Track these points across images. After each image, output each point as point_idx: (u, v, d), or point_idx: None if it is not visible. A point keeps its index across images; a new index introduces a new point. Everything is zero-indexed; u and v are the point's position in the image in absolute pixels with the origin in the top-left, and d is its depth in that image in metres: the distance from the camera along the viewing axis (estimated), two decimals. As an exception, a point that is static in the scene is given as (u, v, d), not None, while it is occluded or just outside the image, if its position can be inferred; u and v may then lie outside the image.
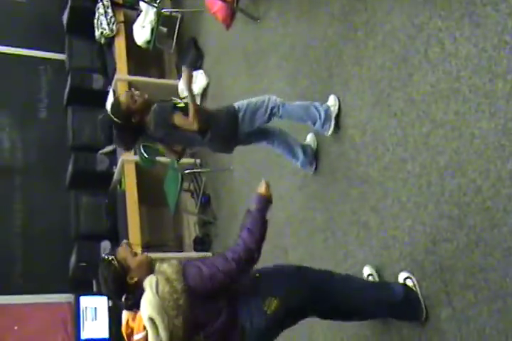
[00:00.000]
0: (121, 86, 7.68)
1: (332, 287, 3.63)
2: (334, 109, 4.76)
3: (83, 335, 6.68)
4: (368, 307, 3.75)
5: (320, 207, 4.93)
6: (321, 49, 5.03)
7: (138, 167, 7.10)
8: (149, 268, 3.35)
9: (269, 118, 4.64)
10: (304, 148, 4.95)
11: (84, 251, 7.14)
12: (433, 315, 3.65)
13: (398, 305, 3.76)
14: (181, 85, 7.33)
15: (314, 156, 4.99)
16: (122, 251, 3.39)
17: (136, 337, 3.18)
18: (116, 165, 7.53)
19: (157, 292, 3.07)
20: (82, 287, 7.25)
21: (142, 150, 6.48)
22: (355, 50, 4.60)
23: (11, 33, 8.65)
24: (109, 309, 6.71)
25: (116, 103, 4.49)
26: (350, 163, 4.59)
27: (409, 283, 3.86)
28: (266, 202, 3.59)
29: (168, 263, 3.20)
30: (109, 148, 7.78)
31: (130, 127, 4.50)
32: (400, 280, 3.92)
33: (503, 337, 3.18)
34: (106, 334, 6.69)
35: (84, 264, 7.02)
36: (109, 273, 3.31)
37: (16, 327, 6.87)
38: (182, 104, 4.55)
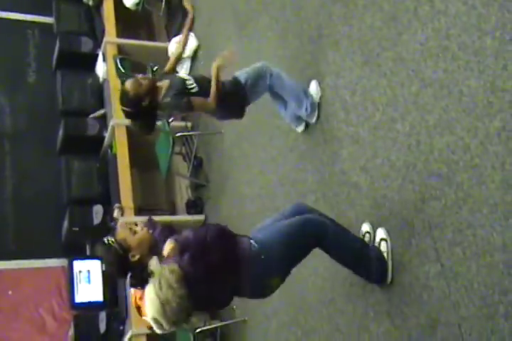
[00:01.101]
0: (110, 48, 7.63)
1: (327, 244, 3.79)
2: (317, 97, 4.83)
3: (77, 299, 6.71)
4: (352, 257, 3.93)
5: (311, 168, 4.95)
6: (311, 9, 5.01)
7: (129, 130, 7.08)
8: (150, 244, 3.44)
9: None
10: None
11: (77, 215, 7.16)
12: (422, 272, 3.69)
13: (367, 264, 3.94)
14: (171, 47, 7.29)
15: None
16: (121, 232, 3.51)
17: (144, 317, 3.28)
18: (107, 129, 7.51)
19: (161, 293, 3.12)
20: (75, 251, 7.29)
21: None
22: (344, 10, 4.58)
23: (-4, -4, 8.57)
24: (103, 272, 6.74)
25: (123, 93, 4.49)
26: (340, 124, 4.59)
27: (383, 246, 3.97)
28: None
29: (169, 270, 3.21)
30: (99, 112, 7.77)
31: (143, 111, 4.51)
32: (377, 239, 4.04)
33: (490, 291, 3.22)
34: (100, 298, 6.73)
35: (76, 229, 7.05)
36: (111, 255, 3.41)
37: (10, 292, 6.93)
38: (196, 90, 4.53)
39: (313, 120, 4.86)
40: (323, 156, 4.79)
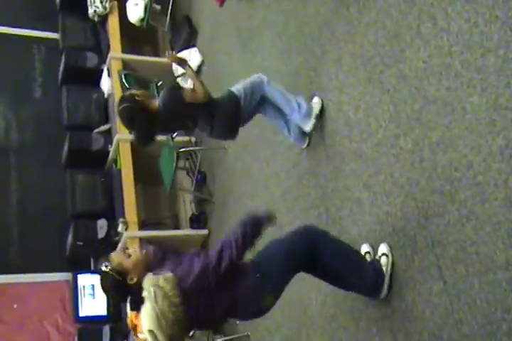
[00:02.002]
0: (115, 64, 7.66)
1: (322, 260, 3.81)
2: (318, 107, 4.86)
3: (81, 313, 6.75)
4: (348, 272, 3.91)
5: (314, 183, 4.95)
6: (314, 26, 5.03)
7: (133, 145, 7.11)
8: (146, 264, 3.48)
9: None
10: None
11: (81, 229, 7.16)
12: (425, 289, 3.69)
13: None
14: (175, 64, 7.33)
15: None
16: (116, 257, 3.54)
17: (141, 335, 3.31)
18: (111, 143, 7.53)
19: (156, 304, 3.15)
20: (80, 265, 7.30)
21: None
22: (347, 27, 4.60)
23: (3, 12, 8.60)
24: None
25: (129, 96, 4.56)
26: (343, 140, 4.61)
27: (383, 261, 3.97)
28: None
29: (164, 279, 3.24)
30: (104, 127, 7.79)
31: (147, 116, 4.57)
32: (378, 253, 4.05)
33: (493, 308, 3.22)
34: (104, 312, 6.74)
35: (81, 243, 7.05)
36: (109, 282, 3.44)
37: (15, 306, 6.94)
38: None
39: (308, 128, 4.85)
40: (326, 172, 4.80)
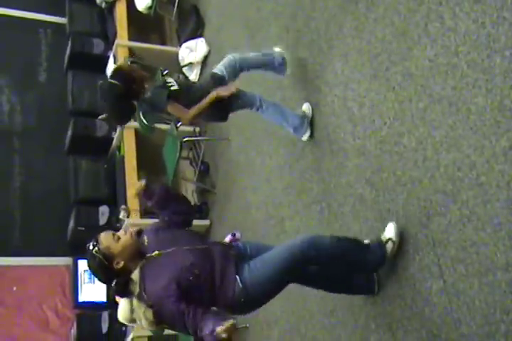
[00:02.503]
0: (121, 51, 7.66)
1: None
2: (309, 113, 5.00)
3: (81, 298, 6.79)
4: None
5: (316, 178, 4.97)
6: (321, 21, 5.02)
7: (137, 133, 7.12)
8: (135, 249, 3.48)
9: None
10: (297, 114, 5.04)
11: (83, 215, 7.20)
12: (424, 288, 3.72)
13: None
14: (182, 52, 7.33)
15: (309, 124, 5.03)
16: (104, 239, 3.52)
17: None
18: (115, 130, 7.54)
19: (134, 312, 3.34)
20: (81, 250, 7.29)
21: (142, 117, 6.49)
22: (355, 23, 4.59)
23: (10, -6, 8.60)
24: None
25: (117, 68, 4.70)
26: (347, 136, 4.61)
27: (388, 246, 3.94)
28: None
29: (144, 315, 3.33)
30: (108, 114, 7.79)
31: (129, 95, 4.62)
32: (386, 235, 4.00)
33: (492, 309, 3.24)
34: (103, 298, 6.78)
35: (82, 228, 7.08)
36: (95, 264, 3.45)
37: (14, 288, 6.98)
38: (175, 87, 4.64)
39: (305, 136, 5.03)
40: (329, 167, 4.81)
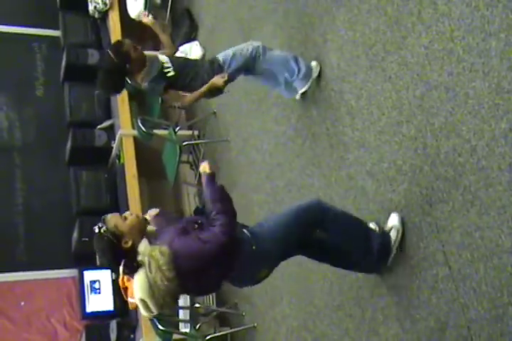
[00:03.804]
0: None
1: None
2: (316, 70, 4.88)
3: (88, 308, 6.75)
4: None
5: (317, 173, 4.94)
6: (314, 15, 5.01)
7: (136, 140, 7.11)
8: (142, 229, 3.44)
9: (253, 67, 4.81)
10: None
11: (86, 226, 7.12)
12: (430, 276, 3.69)
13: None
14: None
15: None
16: (112, 219, 3.47)
17: (131, 300, 3.30)
18: (114, 139, 7.52)
19: (150, 274, 3.16)
20: (85, 261, 7.29)
21: (140, 124, 6.49)
22: (348, 15, 4.59)
23: (2, 10, 8.57)
24: (113, 282, 6.76)
25: (119, 42, 4.77)
26: (345, 128, 4.59)
27: (392, 234, 3.92)
28: (211, 177, 3.64)
29: (160, 251, 3.23)
30: (107, 123, 7.78)
31: (120, 71, 4.69)
32: (388, 224, 4.00)
33: (499, 293, 3.22)
34: (111, 307, 6.75)
35: (86, 239, 7.05)
36: (103, 244, 3.39)
37: (22, 303, 6.93)
38: (172, 73, 4.64)
39: (303, 90, 4.93)
40: (329, 161, 4.78)
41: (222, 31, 6.94)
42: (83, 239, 7.04)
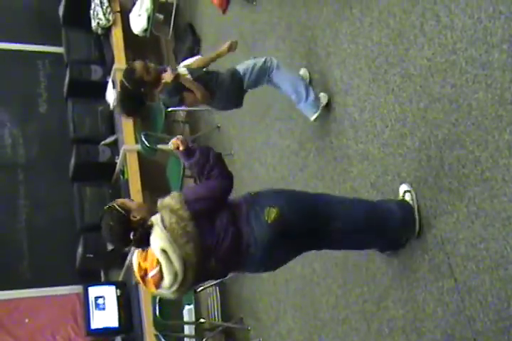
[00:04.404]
0: (120, 75, 7.65)
1: (331, 209, 3.69)
2: (324, 101, 4.86)
3: (93, 325, 6.74)
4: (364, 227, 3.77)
5: (321, 186, 4.93)
6: (317, 28, 5.03)
7: (140, 155, 7.11)
8: (149, 209, 3.42)
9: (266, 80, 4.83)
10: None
11: (91, 242, 7.15)
12: (436, 288, 3.67)
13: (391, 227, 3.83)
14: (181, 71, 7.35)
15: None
16: (120, 200, 3.49)
17: (151, 273, 3.25)
18: (118, 155, 7.53)
19: (164, 226, 3.17)
20: (90, 277, 7.30)
21: (143, 139, 6.49)
22: (351, 28, 4.60)
23: (6, 27, 8.61)
24: (118, 298, 6.75)
25: (131, 69, 4.63)
26: (349, 141, 4.59)
27: (407, 197, 3.92)
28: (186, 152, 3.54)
29: (170, 197, 3.31)
30: (110, 139, 7.80)
31: (136, 95, 4.66)
32: (400, 193, 3.99)
33: (505, 305, 3.20)
34: (115, 323, 6.73)
35: (91, 255, 7.06)
36: (112, 217, 3.36)
37: (26, 320, 6.94)
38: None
39: (312, 118, 4.86)
40: (333, 174, 4.78)
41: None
42: (88, 255, 7.06)
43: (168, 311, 5.80)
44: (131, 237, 3.30)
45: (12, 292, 7.05)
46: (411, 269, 3.88)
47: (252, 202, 3.51)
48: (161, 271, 3.21)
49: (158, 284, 3.25)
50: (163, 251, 3.17)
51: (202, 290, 5.99)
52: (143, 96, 4.68)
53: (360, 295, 4.36)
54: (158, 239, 3.19)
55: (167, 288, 3.25)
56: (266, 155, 5.85)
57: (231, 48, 4.92)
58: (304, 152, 5.16)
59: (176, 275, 3.20)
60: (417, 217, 3.84)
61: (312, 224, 3.56)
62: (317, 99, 4.81)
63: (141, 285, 3.42)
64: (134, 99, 4.71)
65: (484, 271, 3.34)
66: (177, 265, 3.18)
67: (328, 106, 4.85)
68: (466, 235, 3.47)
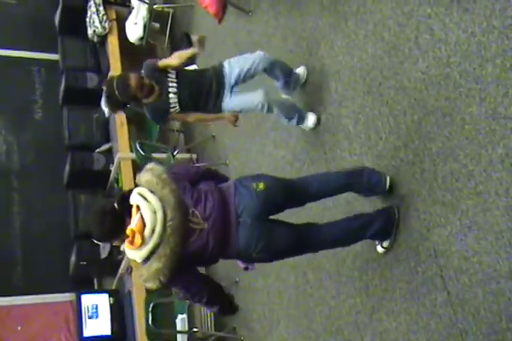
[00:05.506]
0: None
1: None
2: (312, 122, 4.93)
3: (86, 333, 6.71)
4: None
5: (315, 198, 4.93)
6: (312, 40, 5.05)
7: (134, 164, 7.11)
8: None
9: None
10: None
11: (84, 250, 7.15)
12: (429, 300, 3.68)
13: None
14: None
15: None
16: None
17: (133, 223, 3.31)
18: (112, 163, 7.53)
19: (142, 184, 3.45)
20: (83, 285, 7.28)
21: (138, 148, 6.50)
22: (346, 40, 4.62)
23: (1, 34, 8.61)
24: (111, 306, 6.74)
25: (126, 84, 4.67)
26: (343, 153, 4.60)
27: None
28: None
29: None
30: (105, 147, 7.79)
31: (123, 103, 4.86)
32: None
33: (498, 318, 3.21)
34: (108, 331, 6.72)
35: (84, 263, 7.05)
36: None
37: (19, 328, 6.92)
38: (177, 110, 4.81)
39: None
40: (327, 186, 4.78)
41: (220, 55, 6.93)
42: (81, 262, 7.04)
43: (161, 320, 5.80)
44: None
45: (5, 299, 7.03)
46: (404, 281, 3.89)
47: (239, 181, 3.72)
48: (142, 218, 3.32)
49: (142, 232, 3.32)
50: (140, 194, 3.35)
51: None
52: (129, 102, 4.84)
53: (354, 307, 4.37)
54: (135, 190, 3.40)
55: (150, 232, 3.31)
56: (261, 165, 5.85)
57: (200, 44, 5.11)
58: (299, 163, 5.16)
59: (154, 212, 3.31)
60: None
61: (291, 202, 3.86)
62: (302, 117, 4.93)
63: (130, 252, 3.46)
64: (120, 104, 4.86)
65: (477, 284, 3.36)
66: (154, 202, 3.32)
67: (322, 116, 4.88)
68: (459, 248, 3.49)
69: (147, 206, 3.31)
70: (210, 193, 3.57)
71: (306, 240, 3.80)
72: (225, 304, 3.80)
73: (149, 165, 3.56)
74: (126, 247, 3.41)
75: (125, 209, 3.43)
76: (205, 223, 3.46)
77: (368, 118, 4.34)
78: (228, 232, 3.53)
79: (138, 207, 3.35)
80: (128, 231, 3.34)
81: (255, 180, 3.69)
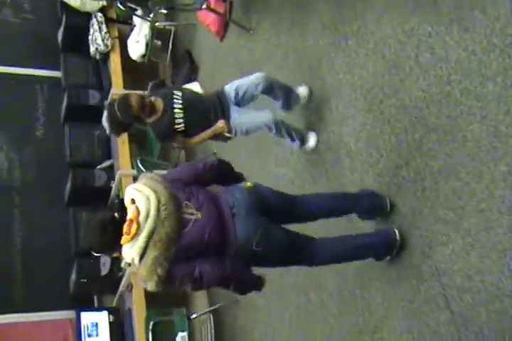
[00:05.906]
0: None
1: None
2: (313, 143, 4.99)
3: (85, 351, 6.68)
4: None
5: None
6: (313, 58, 5.06)
7: (135, 180, 7.10)
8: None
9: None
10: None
11: (85, 267, 7.12)
12: (432, 319, 3.66)
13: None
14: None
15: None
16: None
17: (130, 212, 3.35)
18: (114, 179, 7.53)
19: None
20: (83, 303, 7.25)
21: (139, 164, 6.50)
22: (346, 59, 4.63)
23: (4, 51, 8.64)
24: (110, 324, 6.70)
25: (128, 104, 4.65)
26: (345, 170, 4.60)
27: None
28: None
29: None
30: (106, 163, 7.79)
31: (125, 124, 4.86)
32: None
33: (501, 337, 3.19)
34: (107, 350, 6.68)
35: (84, 280, 7.02)
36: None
37: (18, 345, 6.88)
38: (182, 129, 4.80)
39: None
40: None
41: (222, 73, 6.99)
42: (81, 280, 7.01)
43: (161, 338, 5.78)
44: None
45: (4, 316, 6.99)
46: (406, 300, 3.87)
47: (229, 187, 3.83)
48: (137, 207, 3.36)
49: (137, 219, 3.33)
50: (133, 188, 3.45)
51: (196, 317, 5.97)
52: (132, 123, 4.84)
53: (355, 326, 4.34)
54: (129, 187, 3.53)
55: (144, 216, 3.34)
56: (261, 182, 5.83)
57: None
58: (300, 180, 5.16)
59: (148, 198, 3.35)
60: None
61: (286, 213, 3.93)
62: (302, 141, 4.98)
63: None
64: (123, 124, 4.84)
65: (480, 303, 3.33)
66: (147, 191, 3.38)
67: (323, 134, 4.89)
68: (462, 266, 3.47)
69: (141, 194, 3.38)
70: (202, 192, 3.63)
71: (302, 246, 3.83)
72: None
73: (143, 173, 3.74)
74: (122, 242, 3.39)
75: (125, 216, 3.44)
76: (199, 213, 3.48)
77: (369, 136, 4.34)
78: (224, 223, 3.55)
79: (133, 201, 3.41)
80: (125, 229, 3.35)
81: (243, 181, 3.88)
